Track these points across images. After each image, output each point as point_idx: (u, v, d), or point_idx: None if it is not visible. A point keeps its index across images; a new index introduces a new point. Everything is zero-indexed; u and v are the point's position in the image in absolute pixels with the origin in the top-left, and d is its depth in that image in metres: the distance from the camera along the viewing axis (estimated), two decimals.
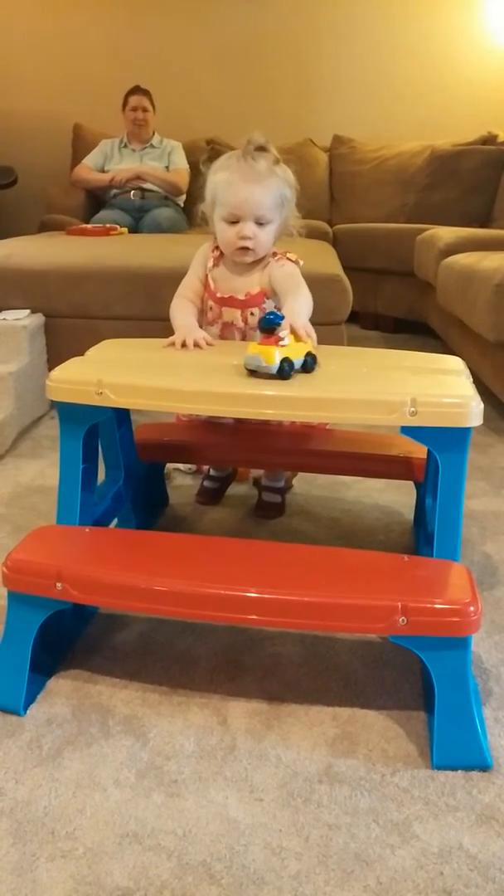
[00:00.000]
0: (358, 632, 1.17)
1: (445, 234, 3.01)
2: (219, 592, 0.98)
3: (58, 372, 1.14)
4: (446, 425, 1.01)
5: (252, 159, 1.34)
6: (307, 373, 1.15)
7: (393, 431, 1.08)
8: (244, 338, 1.45)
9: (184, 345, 1.30)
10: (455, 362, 1.26)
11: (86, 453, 1.16)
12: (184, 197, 3.78)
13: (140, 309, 2.23)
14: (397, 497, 1.72)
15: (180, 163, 3.78)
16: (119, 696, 1.07)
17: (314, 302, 1.35)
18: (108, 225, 3.21)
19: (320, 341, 1.23)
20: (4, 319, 2.18)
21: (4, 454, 1.97)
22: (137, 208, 3.63)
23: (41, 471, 1.86)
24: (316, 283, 1.47)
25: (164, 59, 4.32)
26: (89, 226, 3.25)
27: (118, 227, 3.22)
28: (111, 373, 1.13)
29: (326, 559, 1.11)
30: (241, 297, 1.43)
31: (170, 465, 1.81)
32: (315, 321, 1.26)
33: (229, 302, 1.44)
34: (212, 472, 1.72)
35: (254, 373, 1.11)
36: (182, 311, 1.42)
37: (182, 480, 1.81)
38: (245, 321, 1.44)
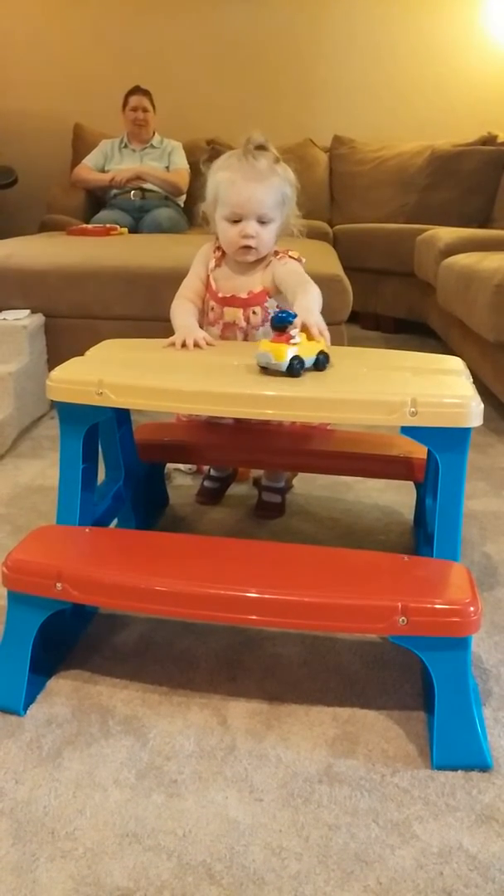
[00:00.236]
0: (358, 632, 1.17)
1: (445, 234, 3.01)
2: (219, 593, 0.98)
3: (58, 372, 1.14)
4: (446, 425, 1.01)
5: (253, 158, 1.34)
6: (319, 371, 1.15)
7: (393, 432, 1.08)
8: (246, 338, 1.45)
9: (184, 345, 1.30)
10: (455, 363, 1.26)
11: (86, 453, 1.16)
12: (184, 197, 3.78)
13: (140, 309, 2.23)
14: (397, 497, 1.72)
15: (180, 163, 3.78)
16: (119, 696, 1.07)
17: None
18: (108, 225, 3.21)
19: None
20: (4, 319, 2.18)
21: (4, 454, 1.97)
22: (138, 208, 3.64)
23: (41, 471, 1.86)
24: (316, 283, 1.46)
25: (165, 60, 4.32)
26: (89, 226, 3.26)
27: (118, 227, 3.22)
28: (111, 373, 1.13)
29: (326, 559, 1.11)
30: (243, 295, 1.43)
31: (170, 466, 1.81)
32: None
33: (231, 301, 1.44)
34: (212, 472, 1.72)
35: (265, 370, 1.12)
36: (182, 311, 1.42)
37: (182, 480, 1.81)
38: (247, 321, 1.44)
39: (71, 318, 2.29)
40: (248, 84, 4.36)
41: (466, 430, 1.02)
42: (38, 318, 2.26)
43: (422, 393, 1.02)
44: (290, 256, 1.44)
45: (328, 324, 1.23)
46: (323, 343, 1.17)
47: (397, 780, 0.93)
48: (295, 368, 1.11)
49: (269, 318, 1.43)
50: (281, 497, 1.67)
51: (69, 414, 1.15)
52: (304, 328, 1.16)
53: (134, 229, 3.47)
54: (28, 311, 2.26)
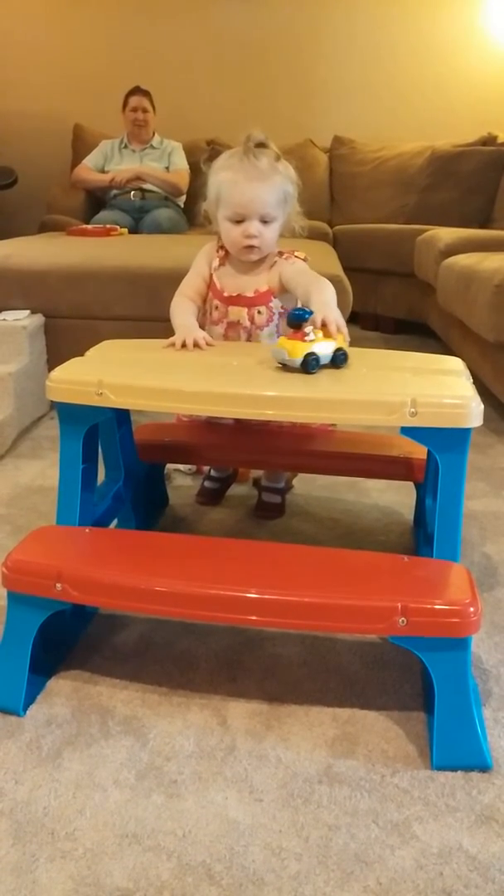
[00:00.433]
0: (358, 632, 1.17)
1: (445, 234, 3.01)
2: (219, 593, 0.98)
3: (58, 372, 1.14)
4: (446, 426, 1.01)
5: (254, 157, 1.34)
6: (337, 368, 1.16)
7: (393, 432, 1.08)
8: (249, 338, 1.45)
9: (184, 345, 1.30)
10: (455, 363, 1.26)
11: (86, 454, 1.16)
12: (184, 197, 3.78)
13: (140, 309, 2.23)
14: (397, 497, 1.72)
15: (180, 163, 3.78)
16: (119, 696, 1.07)
17: None
18: (108, 225, 3.22)
19: None
20: (4, 320, 2.18)
21: (4, 454, 1.97)
22: (137, 209, 3.64)
23: (41, 471, 1.86)
24: None
25: (165, 60, 4.32)
26: (89, 226, 3.26)
27: (118, 227, 3.22)
28: (111, 373, 1.13)
29: (326, 560, 1.11)
30: (249, 294, 1.43)
31: (170, 466, 1.81)
32: None
33: (237, 300, 1.44)
34: (212, 472, 1.72)
35: (283, 366, 1.14)
36: (182, 310, 1.42)
37: (182, 481, 1.81)
38: (251, 320, 1.44)
39: (71, 319, 2.29)
40: (247, 84, 4.36)
41: (466, 431, 1.02)
42: (38, 319, 2.26)
43: (422, 393, 1.02)
44: (297, 256, 1.44)
45: None
46: (341, 339, 1.18)
47: (397, 781, 0.93)
48: (310, 365, 1.11)
49: (274, 317, 1.44)
50: (281, 497, 1.67)
51: (69, 414, 1.15)
52: (323, 324, 1.17)
53: (134, 230, 3.47)
54: (28, 312, 2.26)
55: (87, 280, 2.27)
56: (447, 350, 2.73)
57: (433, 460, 1.13)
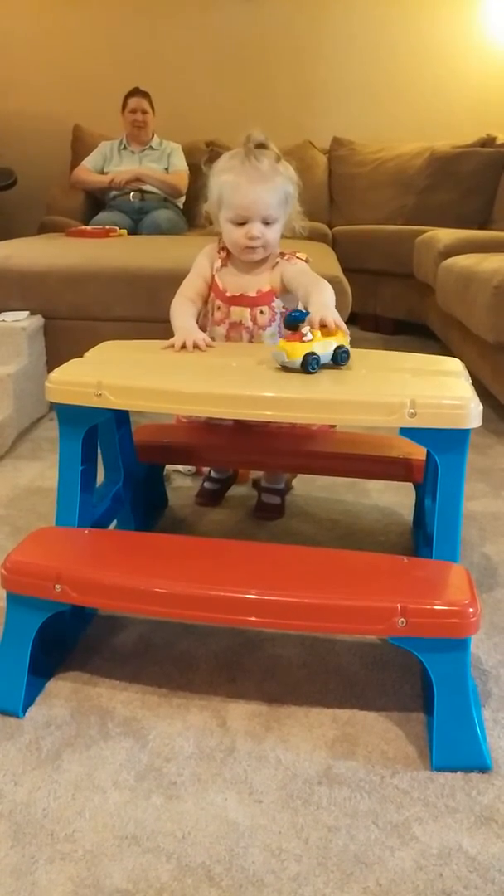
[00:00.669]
0: (357, 633, 1.17)
1: (444, 235, 3.01)
2: (218, 594, 0.98)
3: (57, 373, 1.14)
4: (445, 427, 1.01)
5: (255, 159, 1.34)
6: (339, 366, 1.16)
7: (392, 433, 1.08)
8: (251, 338, 1.45)
9: (183, 347, 1.30)
10: (454, 364, 1.26)
11: (85, 455, 1.16)
12: (183, 199, 3.78)
13: (139, 310, 2.23)
14: (397, 498, 1.72)
15: (180, 165, 3.78)
16: (118, 697, 1.07)
17: None
18: (107, 226, 3.21)
19: None
20: (3, 321, 2.17)
21: (3, 456, 1.97)
22: (137, 210, 3.64)
23: (40, 472, 1.86)
24: None
25: (164, 61, 4.32)
26: (89, 227, 3.26)
27: (117, 228, 3.22)
28: (110, 374, 1.13)
29: (326, 561, 1.11)
30: (252, 294, 1.44)
31: (169, 467, 1.81)
32: None
33: (239, 300, 1.44)
34: (212, 473, 1.72)
35: (285, 368, 1.14)
36: (182, 312, 1.42)
37: (181, 482, 1.81)
38: (254, 321, 1.44)
39: (70, 320, 2.29)
40: (247, 86, 4.36)
41: (465, 432, 1.02)
42: (38, 320, 2.26)
43: (421, 394, 1.02)
44: (298, 257, 1.45)
45: None
46: (341, 337, 1.18)
47: (397, 782, 0.93)
48: (310, 364, 1.11)
49: (276, 317, 1.44)
50: (280, 498, 1.67)
51: (68, 415, 1.15)
52: (322, 324, 1.17)
53: (133, 231, 3.47)
54: (27, 313, 2.26)
55: (86, 281, 2.27)
56: (446, 351, 2.73)
57: (432, 461, 1.13)
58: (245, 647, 1.19)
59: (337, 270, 2.33)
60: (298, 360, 1.12)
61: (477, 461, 1.94)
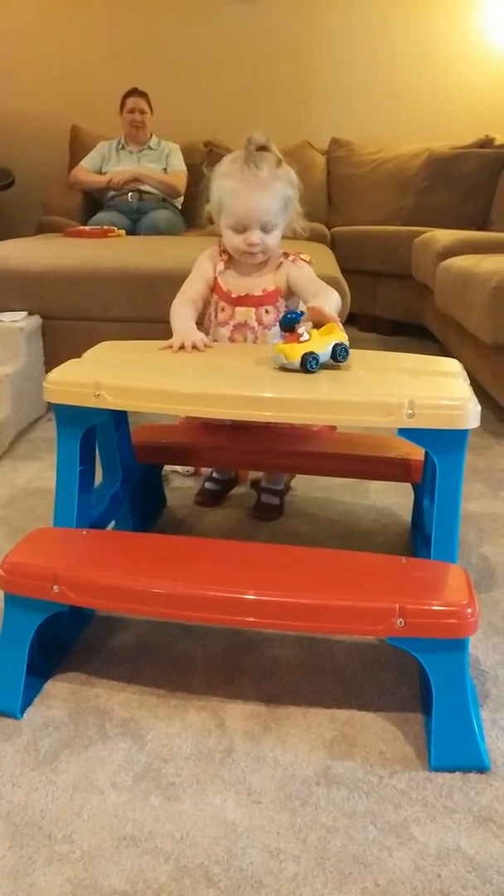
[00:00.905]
0: (356, 634, 1.17)
1: (443, 236, 3.01)
2: (216, 595, 0.98)
3: (55, 374, 1.14)
4: (444, 427, 1.01)
5: (255, 167, 1.35)
6: (339, 363, 1.16)
7: (391, 433, 1.08)
8: (256, 339, 1.45)
9: (181, 347, 1.30)
10: (452, 364, 1.26)
11: (83, 455, 1.16)
12: (181, 199, 3.78)
13: (137, 311, 2.23)
14: (395, 499, 1.72)
15: (178, 165, 3.78)
16: (116, 698, 1.07)
17: None
18: (105, 227, 3.21)
19: None
20: (1, 321, 2.17)
21: (1, 456, 1.97)
22: (135, 210, 3.64)
23: (38, 473, 1.86)
24: None
25: (162, 61, 4.32)
26: (87, 227, 3.26)
27: (115, 228, 3.22)
28: (108, 375, 1.13)
29: (324, 561, 1.11)
30: (257, 293, 1.44)
31: (167, 468, 1.81)
32: None
33: (244, 301, 1.45)
34: (214, 474, 1.72)
35: (285, 369, 1.15)
36: (182, 312, 1.42)
37: (180, 483, 1.80)
38: (259, 321, 1.45)
39: (68, 320, 2.28)
40: (245, 86, 4.36)
41: (464, 432, 1.02)
42: (36, 320, 2.25)
43: (419, 395, 1.02)
44: (302, 259, 1.46)
45: None
46: (338, 333, 1.18)
47: (395, 782, 0.93)
48: (309, 364, 1.12)
49: (280, 316, 1.44)
50: (279, 499, 1.67)
51: (66, 416, 1.15)
52: (317, 313, 1.18)
53: (131, 231, 3.47)
54: (25, 313, 2.26)
55: (84, 281, 2.27)
56: (445, 352, 2.73)
57: (431, 462, 1.13)
58: (243, 647, 1.19)
59: (335, 271, 2.33)
60: (297, 360, 1.12)
61: (475, 462, 1.94)
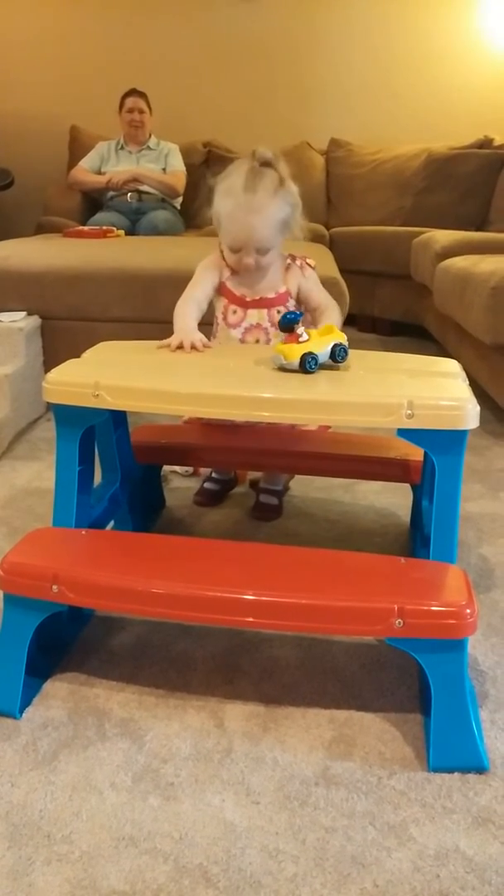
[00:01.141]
0: (355, 634, 1.17)
1: (442, 237, 3.01)
2: (216, 595, 0.98)
3: (54, 374, 1.14)
4: (443, 428, 1.01)
5: (252, 192, 1.34)
6: (338, 363, 1.17)
7: (390, 434, 1.08)
8: (269, 339, 1.46)
9: (180, 347, 1.30)
10: (451, 365, 1.26)
11: (82, 455, 1.16)
12: (180, 199, 3.78)
13: (137, 311, 2.22)
14: (394, 499, 1.72)
15: (177, 165, 3.78)
16: (115, 698, 1.07)
17: None
18: (104, 227, 3.21)
19: None
20: (1, 321, 2.17)
21: (1, 456, 1.97)
22: (134, 210, 3.64)
23: (37, 473, 1.86)
24: None
25: (162, 62, 4.32)
26: (86, 228, 3.26)
27: (115, 229, 3.22)
28: (108, 375, 1.13)
29: (323, 561, 1.11)
30: (271, 295, 1.46)
31: (167, 468, 1.81)
32: None
33: (258, 303, 1.46)
34: (214, 474, 1.72)
35: (285, 369, 1.15)
36: (185, 313, 1.42)
37: (179, 483, 1.80)
38: (272, 321, 1.46)
39: (67, 320, 2.28)
40: (244, 87, 4.36)
41: (463, 433, 1.02)
42: (35, 320, 2.25)
43: (418, 395, 1.02)
44: (308, 264, 1.48)
45: None
46: (337, 334, 1.19)
47: (394, 783, 0.93)
48: (308, 364, 1.12)
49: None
50: (278, 499, 1.67)
51: (65, 416, 1.14)
52: (315, 323, 1.19)
53: (130, 231, 3.47)
54: (24, 313, 2.25)
55: (83, 282, 2.27)
56: (444, 352, 2.73)
57: (430, 462, 1.13)
58: (242, 648, 1.19)
59: (334, 272, 2.33)
60: (296, 360, 1.12)
61: (474, 462, 1.95)
